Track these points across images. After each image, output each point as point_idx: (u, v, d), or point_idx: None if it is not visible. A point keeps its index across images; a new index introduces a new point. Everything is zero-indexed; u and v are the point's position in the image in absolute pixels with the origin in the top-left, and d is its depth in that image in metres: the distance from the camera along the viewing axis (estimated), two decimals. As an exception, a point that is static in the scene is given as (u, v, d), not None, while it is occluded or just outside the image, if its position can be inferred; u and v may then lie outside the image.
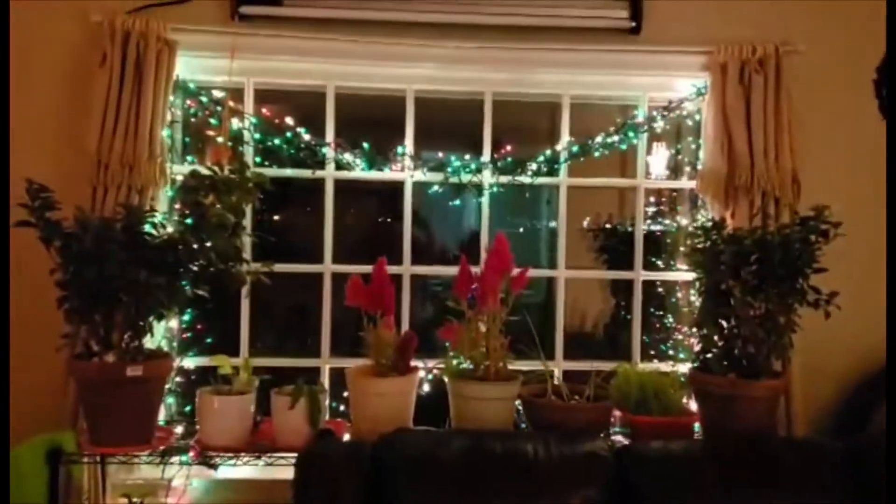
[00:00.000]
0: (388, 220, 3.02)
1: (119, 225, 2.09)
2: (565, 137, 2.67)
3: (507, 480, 1.98)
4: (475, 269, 2.37)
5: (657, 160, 2.85)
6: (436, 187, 2.65)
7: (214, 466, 2.22)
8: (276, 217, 2.89)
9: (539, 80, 2.65)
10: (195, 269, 2.19)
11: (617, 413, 2.42)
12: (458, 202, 2.74)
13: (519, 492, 1.97)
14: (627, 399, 2.40)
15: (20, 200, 2.04)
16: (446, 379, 2.34)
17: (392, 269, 2.41)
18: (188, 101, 2.56)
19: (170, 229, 2.28)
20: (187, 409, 2.56)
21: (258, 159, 2.60)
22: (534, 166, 2.63)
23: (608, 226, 3.06)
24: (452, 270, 2.48)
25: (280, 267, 2.38)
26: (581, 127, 2.70)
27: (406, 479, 2.00)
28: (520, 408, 2.36)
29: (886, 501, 1.85)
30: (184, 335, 2.60)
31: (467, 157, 2.64)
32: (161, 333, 2.40)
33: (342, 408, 2.55)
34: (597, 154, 2.64)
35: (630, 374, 2.49)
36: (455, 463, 2.02)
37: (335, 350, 2.66)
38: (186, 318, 2.55)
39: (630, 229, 2.80)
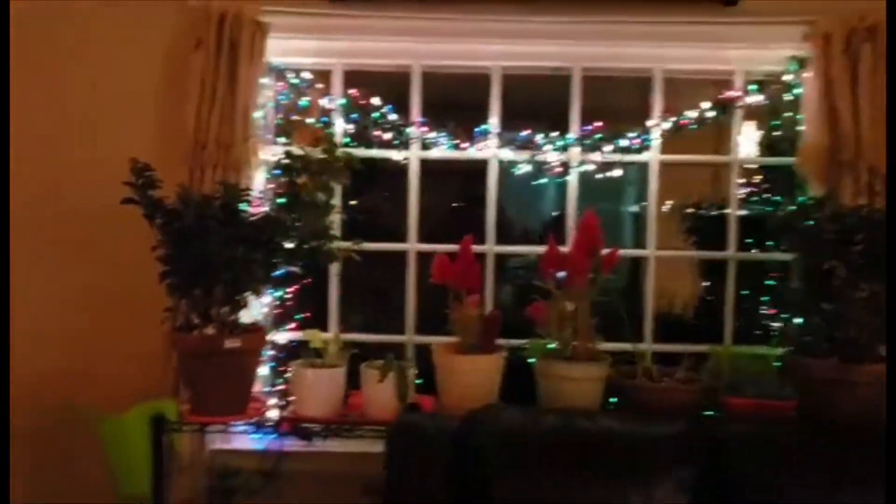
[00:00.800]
0: (471, 199, 3.03)
1: (217, 203, 2.17)
2: (657, 112, 2.60)
3: (598, 459, 1.96)
4: (563, 249, 2.34)
5: (751, 136, 2.74)
6: (521, 166, 2.63)
7: (307, 437, 2.28)
8: (362, 196, 2.93)
9: (630, 53, 2.58)
10: (288, 246, 2.26)
11: (710, 396, 2.36)
12: (542, 181, 2.71)
13: (610, 471, 1.94)
14: (720, 381, 2.34)
15: (125, 179, 2.14)
16: (531, 359, 2.34)
17: (475, 249, 2.41)
18: (279, 83, 2.62)
19: (263, 208, 2.35)
20: (278, 381, 2.63)
21: (346, 140, 2.64)
22: (624, 143, 2.58)
23: (697, 207, 2.98)
24: (537, 250, 2.47)
25: (367, 245, 2.42)
26: (670, 103, 2.62)
27: (496, 454, 2.01)
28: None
29: (886, 500, 1.74)
30: (275, 311, 2.67)
31: (554, 134, 2.61)
32: (255, 308, 2.47)
33: (426, 384, 2.58)
34: (694, 127, 2.57)
35: (723, 356, 2.43)
36: (545, 440, 2.02)
37: (417, 327, 2.69)
38: (278, 293, 2.62)
39: (721, 209, 2.71)
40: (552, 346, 2.33)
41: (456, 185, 3.25)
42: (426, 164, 2.67)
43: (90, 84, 2.58)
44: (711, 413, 2.37)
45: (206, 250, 2.10)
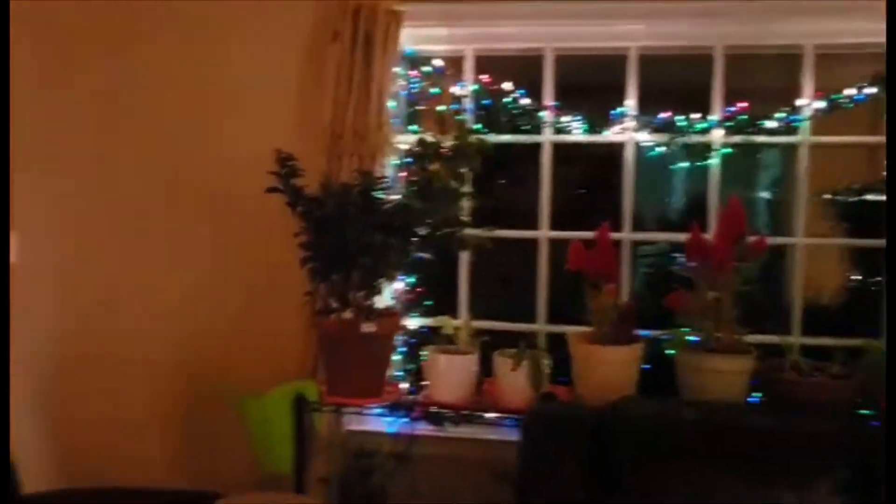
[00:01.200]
0: (604, 185, 2.96)
1: (356, 191, 2.21)
2: (808, 91, 2.44)
3: (745, 457, 1.87)
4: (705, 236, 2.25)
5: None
6: (658, 149, 2.54)
7: (439, 422, 2.31)
8: (494, 183, 2.92)
9: (776, 30, 2.43)
10: (422, 233, 2.28)
11: (865, 393, 2.21)
12: (681, 165, 2.61)
13: (758, 469, 1.85)
14: (877, 378, 2.18)
15: (267, 169, 2.22)
16: (669, 351, 2.26)
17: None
18: (411, 71, 2.64)
19: (396, 196, 2.38)
20: (410, 366, 2.67)
21: (478, 126, 2.63)
22: (770, 125, 2.44)
23: (848, 192, 2.78)
24: (677, 237, 2.38)
25: (498, 233, 2.41)
26: (821, 81, 2.46)
27: (635, 447, 1.96)
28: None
29: (886, 501, 1.64)
30: (405, 297, 2.71)
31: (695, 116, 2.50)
32: (388, 294, 2.51)
33: (557, 373, 2.54)
34: (849, 106, 2.40)
35: (879, 351, 2.26)
36: (687, 434, 1.94)
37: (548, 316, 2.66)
38: (409, 280, 2.66)
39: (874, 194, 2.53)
40: (693, 337, 2.24)
41: (580, 171, 3.18)
42: (558, 149, 2.62)
43: (234, 78, 2.69)
44: (867, 411, 2.22)
45: (345, 237, 2.15)
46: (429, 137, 2.33)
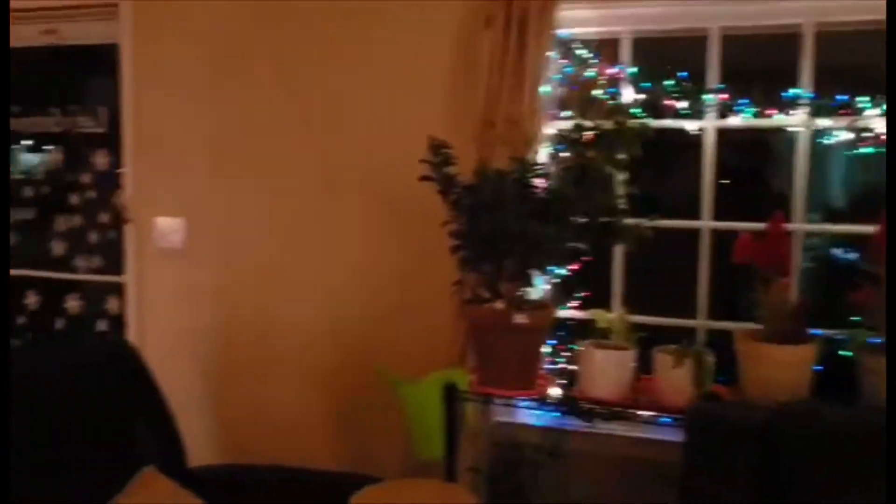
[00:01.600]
0: (763, 172, 2.79)
1: (511, 178, 2.17)
2: None
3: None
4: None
5: None
6: (833, 135, 2.34)
7: (591, 417, 2.24)
8: (651, 169, 2.80)
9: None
10: (578, 222, 2.21)
11: None
12: (862, 151, 2.39)
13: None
14: None
15: (416, 157, 2.21)
16: (846, 352, 2.09)
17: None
18: (564, 55, 2.57)
19: (550, 184, 2.31)
20: (559, 359, 2.61)
21: (636, 111, 2.52)
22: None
23: None
24: (858, 229, 2.19)
25: (657, 222, 2.29)
26: None
27: (809, 453, 1.82)
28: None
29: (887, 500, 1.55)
30: (555, 288, 2.65)
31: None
32: (540, 284, 2.46)
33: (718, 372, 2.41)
34: None
35: None
36: (866, 441, 1.79)
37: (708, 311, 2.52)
38: (560, 270, 2.59)
39: None
40: (874, 337, 2.05)
41: (739, 157, 2.99)
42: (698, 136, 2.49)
43: (385, 67, 2.70)
44: None
45: (500, 225, 2.11)
46: (586, 122, 2.25)
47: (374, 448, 2.69)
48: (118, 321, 3.19)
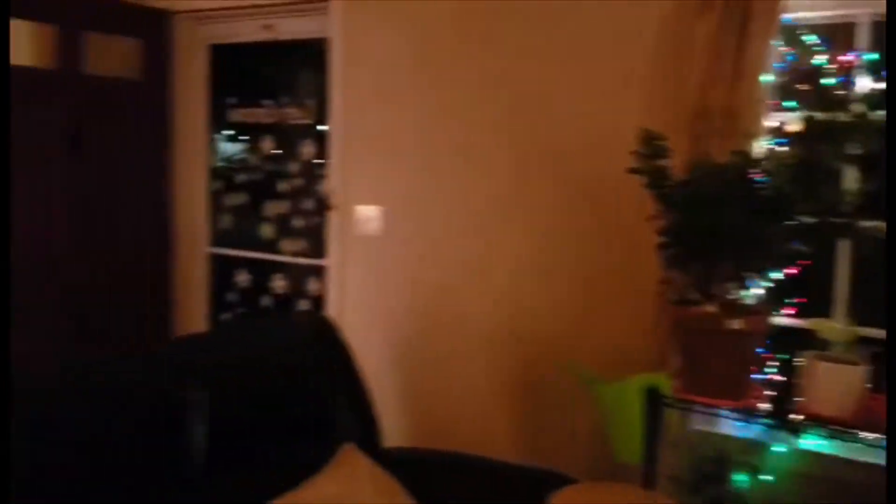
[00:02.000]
0: None
1: (732, 173, 2.04)
2: None
3: None
4: None
5: None
6: None
7: (804, 434, 2.06)
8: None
9: None
10: (802, 222, 2.03)
11: None
12: None
13: None
14: None
15: (616, 150, 2.14)
16: None
17: None
18: (787, 42, 2.38)
19: (770, 179, 2.14)
20: (772, 370, 2.43)
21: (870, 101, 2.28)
22: None
23: None
24: None
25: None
26: None
27: None
28: None
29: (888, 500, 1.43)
30: (769, 292, 2.46)
31: None
32: (756, 288, 2.30)
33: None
34: None
35: None
36: None
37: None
38: (776, 274, 2.40)
39: None
40: None
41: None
42: None
43: (588, 55, 2.64)
44: None
45: (721, 222, 1.98)
46: (818, 115, 2.06)
47: (558, 445, 2.64)
48: (318, 302, 3.36)
